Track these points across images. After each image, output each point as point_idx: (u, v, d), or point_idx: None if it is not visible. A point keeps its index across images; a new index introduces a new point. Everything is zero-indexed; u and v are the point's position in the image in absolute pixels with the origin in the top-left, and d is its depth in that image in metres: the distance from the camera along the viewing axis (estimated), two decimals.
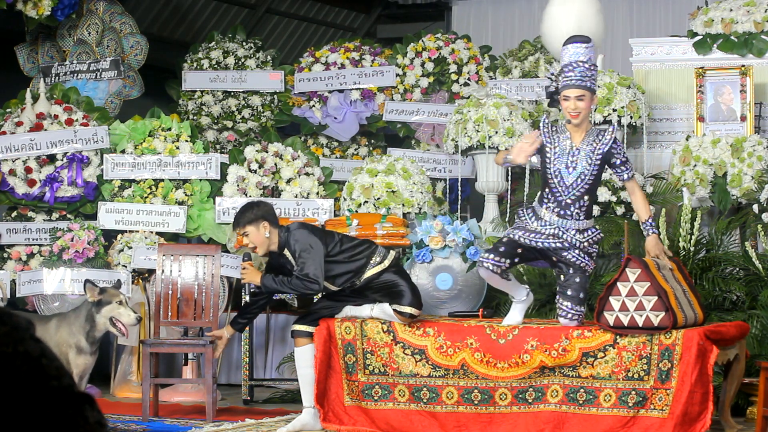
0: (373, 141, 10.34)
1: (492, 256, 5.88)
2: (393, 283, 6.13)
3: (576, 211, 5.87)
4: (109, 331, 6.40)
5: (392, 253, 6.33)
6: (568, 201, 5.89)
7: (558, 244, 5.89)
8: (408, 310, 6.05)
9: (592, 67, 5.90)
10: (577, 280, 5.88)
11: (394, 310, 6.07)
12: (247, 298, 6.29)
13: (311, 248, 6.03)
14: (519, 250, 5.95)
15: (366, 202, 8.34)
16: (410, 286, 6.15)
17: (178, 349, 7.19)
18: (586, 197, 5.88)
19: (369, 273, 6.13)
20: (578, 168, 5.90)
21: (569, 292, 5.86)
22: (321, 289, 6.08)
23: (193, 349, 7.06)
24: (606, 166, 5.98)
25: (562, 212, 5.89)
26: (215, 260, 7.20)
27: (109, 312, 6.28)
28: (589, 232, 5.90)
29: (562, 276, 5.95)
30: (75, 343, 6.28)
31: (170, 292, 7.13)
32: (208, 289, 7.13)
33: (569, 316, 5.83)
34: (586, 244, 5.88)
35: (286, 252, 6.16)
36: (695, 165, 8.11)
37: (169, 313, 7.12)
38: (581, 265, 5.89)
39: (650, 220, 5.95)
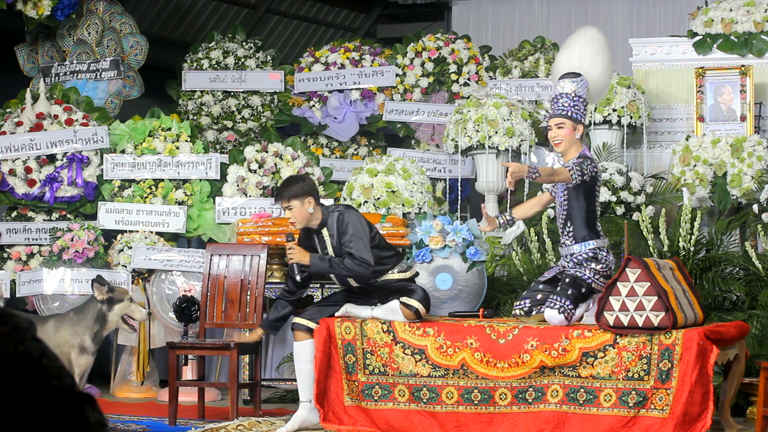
0: (373, 141, 10.34)
1: (517, 301, 6.17)
2: (406, 283, 6.18)
3: (565, 238, 6.04)
4: (117, 328, 6.45)
5: (414, 269, 6.35)
6: (560, 230, 6.12)
7: (557, 270, 6.11)
8: (416, 304, 6.04)
9: (577, 99, 6.01)
10: (567, 281, 5.91)
11: (402, 303, 6.05)
12: (298, 277, 6.17)
13: (363, 231, 6.05)
14: (541, 287, 6.13)
15: (366, 202, 8.34)
16: (423, 289, 6.20)
17: (205, 352, 7.14)
18: (569, 223, 6.02)
19: (388, 277, 6.16)
20: (558, 197, 6.11)
21: (558, 287, 5.91)
22: (371, 273, 6.06)
23: (219, 352, 7.01)
24: (583, 189, 5.97)
25: (560, 240, 6.13)
26: (262, 260, 7.06)
27: (122, 310, 6.33)
28: (577, 252, 5.96)
29: None
30: (78, 343, 6.29)
31: (216, 293, 7.00)
32: (254, 290, 7.00)
33: (551, 304, 5.83)
34: (573, 262, 5.95)
35: (324, 231, 6.13)
36: (695, 165, 8.11)
37: (215, 314, 7.01)
38: (573, 271, 5.93)
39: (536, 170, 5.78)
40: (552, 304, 5.83)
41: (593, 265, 5.94)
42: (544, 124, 6.24)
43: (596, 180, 5.99)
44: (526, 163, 6.19)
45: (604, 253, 6.00)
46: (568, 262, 6.01)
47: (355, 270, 6.00)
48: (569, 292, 5.86)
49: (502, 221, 6.37)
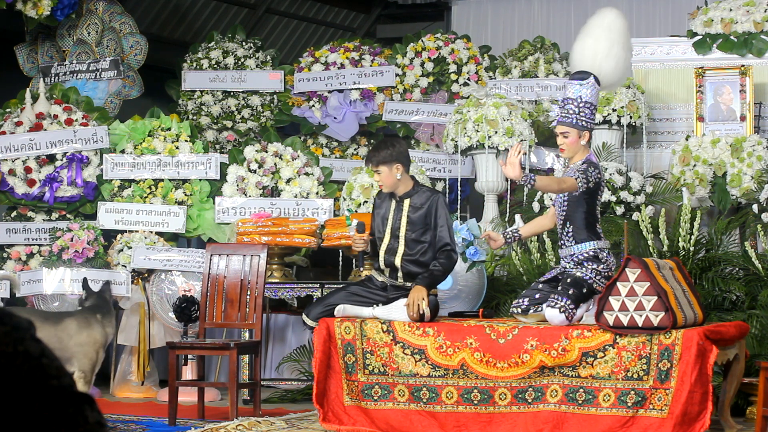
0: (372, 141, 10.34)
1: (516, 300, 6.15)
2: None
3: (565, 239, 6.07)
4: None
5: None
6: (558, 231, 6.15)
7: (558, 271, 6.13)
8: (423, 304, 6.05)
9: (584, 105, 6.03)
10: (569, 281, 5.92)
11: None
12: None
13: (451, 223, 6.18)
14: (540, 286, 6.13)
15: (366, 202, 8.34)
16: (436, 299, 6.19)
17: (205, 352, 7.12)
18: (568, 224, 6.05)
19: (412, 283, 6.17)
20: (558, 198, 6.14)
21: (560, 286, 5.92)
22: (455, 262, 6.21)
23: (219, 352, 6.99)
24: (585, 193, 6.00)
25: (559, 242, 6.15)
26: (262, 260, 7.05)
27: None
28: (578, 252, 5.97)
29: None
30: (104, 342, 6.35)
31: (216, 293, 6.98)
32: (254, 290, 6.99)
33: (552, 303, 5.84)
34: (574, 262, 5.97)
35: (406, 202, 6.15)
36: (695, 165, 8.11)
37: (214, 314, 6.99)
38: (574, 271, 5.95)
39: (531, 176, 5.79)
40: (553, 304, 5.84)
41: (594, 265, 5.95)
42: (555, 124, 6.26)
43: (600, 185, 6.01)
44: (525, 164, 6.18)
45: (605, 254, 6.01)
46: (568, 263, 6.02)
47: (449, 267, 6.13)
48: (570, 291, 5.87)
49: (509, 237, 6.38)
